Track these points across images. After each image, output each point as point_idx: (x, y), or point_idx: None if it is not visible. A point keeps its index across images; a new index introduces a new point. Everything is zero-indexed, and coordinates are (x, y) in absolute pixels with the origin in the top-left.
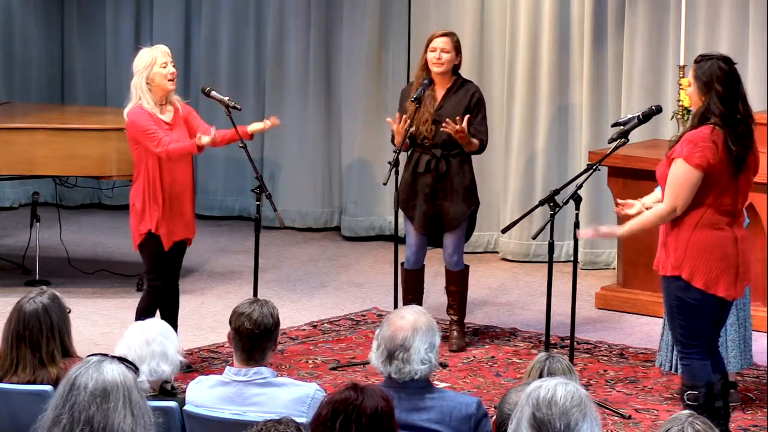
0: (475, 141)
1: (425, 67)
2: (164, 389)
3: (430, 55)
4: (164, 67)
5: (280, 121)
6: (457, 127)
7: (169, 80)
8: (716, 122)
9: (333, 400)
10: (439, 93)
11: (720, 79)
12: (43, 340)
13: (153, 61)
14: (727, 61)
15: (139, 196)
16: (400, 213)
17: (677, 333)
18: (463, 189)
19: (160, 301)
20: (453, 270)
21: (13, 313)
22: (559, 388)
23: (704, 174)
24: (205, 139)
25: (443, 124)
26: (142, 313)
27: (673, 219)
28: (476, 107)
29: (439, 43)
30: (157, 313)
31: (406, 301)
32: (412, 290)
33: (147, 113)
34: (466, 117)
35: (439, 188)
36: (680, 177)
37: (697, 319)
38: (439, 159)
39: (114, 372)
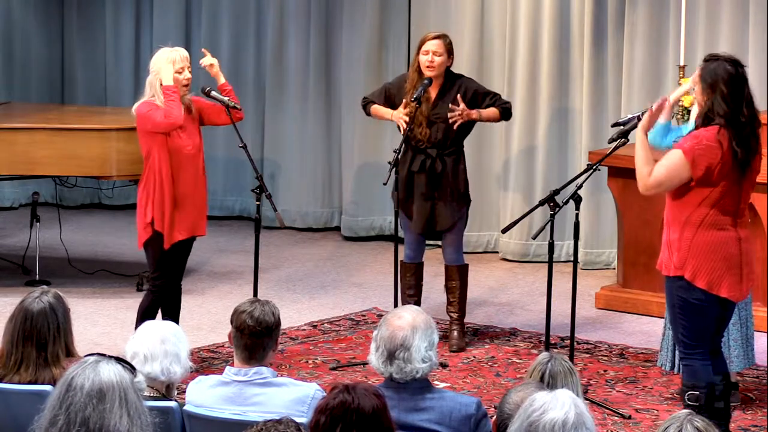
0: (490, 111)
1: (418, 69)
2: (168, 392)
3: (423, 59)
4: (181, 72)
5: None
6: (457, 114)
7: (183, 86)
8: (721, 123)
9: (329, 406)
10: (433, 94)
11: (725, 81)
12: (50, 339)
13: (171, 65)
14: (735, 63)
15: (146, 191)
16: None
17: (679, 333)
18: (457, 189)
19: (163, 301)
20: (452, 265)
21: (19, 313)
22: (557, 426)
23: (702, 176)
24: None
25: (449, 116)
26: (144, 313)
27: (675, 220)
28: (474, 96)
29: (431, 46)
30: (159, 313)
31: (406, 297)
32: (411, 285)
33: (153, 104)
34: (459, 98)
35: (434, 187)
36: (671, 163)
37: (699, 319)
38: (434, 159)
39: (110, 372)
